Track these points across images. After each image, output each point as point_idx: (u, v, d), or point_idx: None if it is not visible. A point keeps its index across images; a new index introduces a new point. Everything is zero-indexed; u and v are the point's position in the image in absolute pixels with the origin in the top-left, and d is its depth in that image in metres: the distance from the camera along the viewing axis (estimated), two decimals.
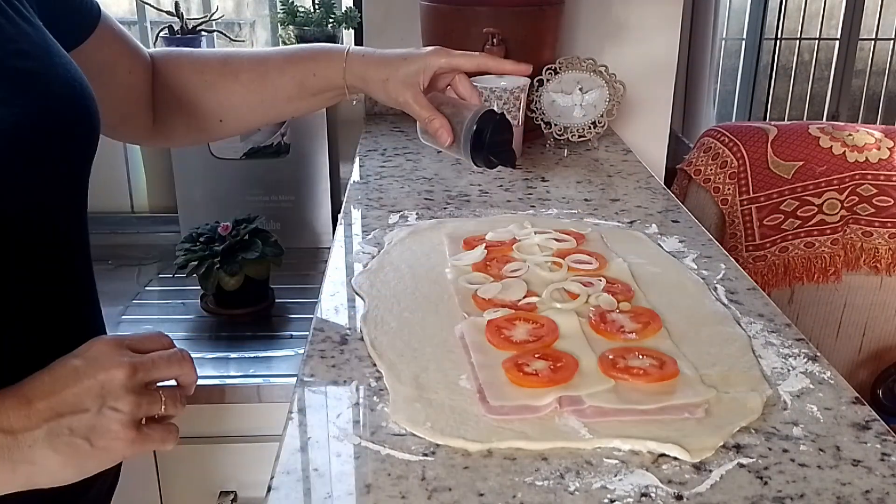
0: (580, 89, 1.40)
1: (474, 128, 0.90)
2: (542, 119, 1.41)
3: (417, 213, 1.07)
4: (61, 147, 0.65)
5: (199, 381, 1.15)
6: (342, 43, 1.58)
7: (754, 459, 0.59)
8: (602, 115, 1.41)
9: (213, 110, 0.92)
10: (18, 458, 0.55)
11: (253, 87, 0.92)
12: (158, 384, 0.62)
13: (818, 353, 0.73)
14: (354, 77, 0.91)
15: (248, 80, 0.92)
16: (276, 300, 1.40)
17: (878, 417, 0.64)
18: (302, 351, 0.74)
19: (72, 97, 0.66)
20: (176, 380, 0.63)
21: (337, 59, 0.91)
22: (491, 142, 0.90)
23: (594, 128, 1.42)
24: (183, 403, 0.63)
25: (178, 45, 1.50)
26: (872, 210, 1.70)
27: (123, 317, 1.36)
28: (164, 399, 0.60)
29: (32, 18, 0.67)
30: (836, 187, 1.68)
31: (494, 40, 1.30)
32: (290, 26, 1.53)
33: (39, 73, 0.64)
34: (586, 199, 1.14)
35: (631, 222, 1.05)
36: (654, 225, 1.04)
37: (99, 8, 0.82)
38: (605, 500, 0.55)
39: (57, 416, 0.56)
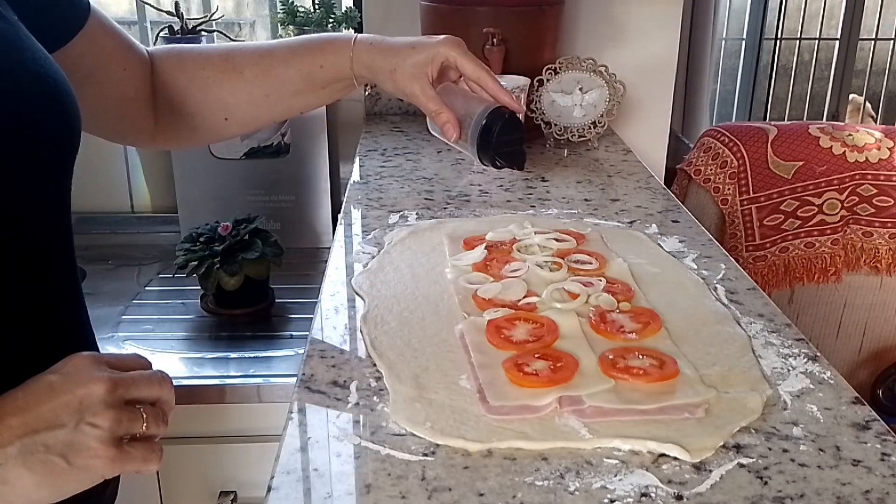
0: (580, 89, 1.40)
1: (482, 124, 0.87)
2: (542, 119, 1.41)
3: (417, 213, 1.07)
4: (34, 147, 0.62)
5: (199, 381, 1.17)
6: None
7: (754, 459, 0.59)
8: (602, 115, 1.41)
9: (218, 108, 0.89)
10: None
11: (257, 83, 0.88)
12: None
13: (818, 353, 0.73)
14: (362, 67, 0.88)
15: (252, 76, 0.88)
16: (276, 300, 1.40)
17: (878, 417, 0.64)
18: (302, 351, 0.74)
19: (44, 94, 0.63)
20: (154, 403, 0.60)
21: (344, 48, 0.88)
22: (499, 140, 0.87)
23: (594, 128, 1.42)
24: (165, 423, 0.60)
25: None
26: (872, 210, 1.70)
27: (123, 317, 1.36)
28: (145, 417, 0.58)
29: (6, 13, 0.64)
30: (836, 187, 1.68)
31: (494, 40, 1.30)
32: (290, 26, 1.53)
33: (7, 68, 0.61)
34: (586, 199, 1.14)
35: (631, 222, 1.05)
36: (654, 225, 1.04)
37: (88, 3, 0.80)
38: (605, 500, 0.55)
39: (31, 432, 0.53)
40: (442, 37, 0.89)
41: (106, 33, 0.82)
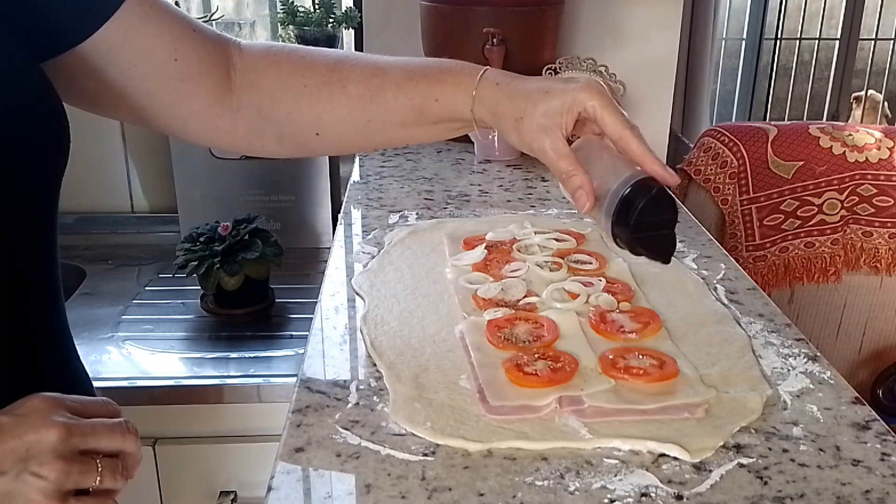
0: None
1: (622, 195, 0.66)
2: None
3: (417, 213, 1.07)
4: (16, 163, 0.59)
5: (199, 381, 1.17)
6: (341, 42, 1.58)
7: (754, 459, 0.59)
8: None
9: (310, 122, 0.78)
10: None
11: (361, 104, 0.76)
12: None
13: (818, 353, 0.73)
14: (484, 110, 0.72)
15: (357, 94, 0.76)
16: (276, 300, 1.40)
17: (878, 417, 0.64)
18: (302, 351, 0.74)
19: (27, 110, 0.60)
20: (117, 455, 0.56)
21: (467, 84, 0.73)
22: (641, 221, 0.65)
23: None
24: (125, 477, 0.55)
25: None
26: (872, 210, 1.70)
27: (123, 317, 1.36)
28: (100, 469, 0.53)
29: None
30: (836, 187, 1.68)
31: (494, 40, 1.30)
32: (290, 26, 1.53)
33: None
34: None
35: None
36: None
37: None
38: (605, 500, 0.55)
39: None
40: (583, 81, 0.71)
41: (146, 20, 0.71)
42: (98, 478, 0.53)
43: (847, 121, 2.50)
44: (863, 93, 2.55)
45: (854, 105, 2.54)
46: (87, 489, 0.53)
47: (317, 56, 0.79)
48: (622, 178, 0.67)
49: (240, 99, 0.77)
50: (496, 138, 1.31)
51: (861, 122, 2.57)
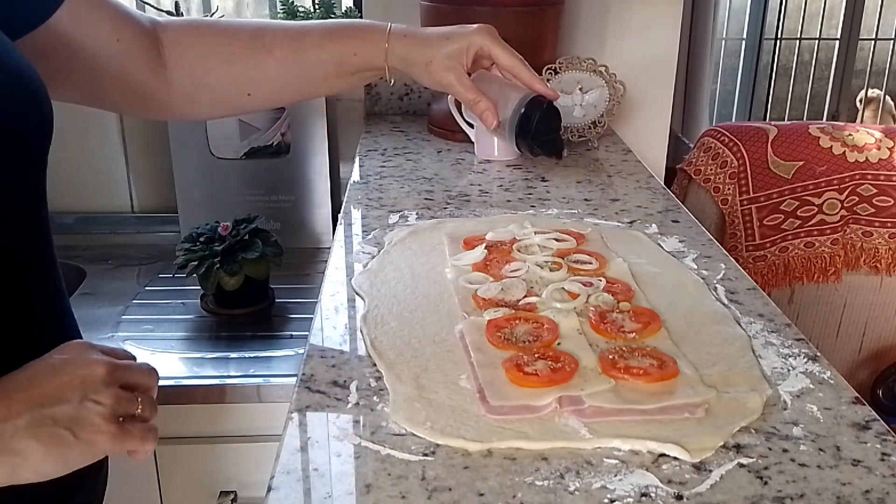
0: (580, 89, 1.40)
1: (521, 112, 0.89)
2: None
3: (417, 213, 1.07)
4: (4, 141, 0.62)
5: (199, 381, 1.17)
6: None
7: (754, 459, 0.59)
8: (602, 115, 1.41)
9: (242, 84, 0.89)
10: (1, 448, 0.54)
11: (287, 64, 0.88)
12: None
13: (818, 353, 0.73)
14: (396, 59, 0.89)
15: (282, 56, 0.88)
16: (276, 300, 1.40)
17: (878, 417, 0.64)
18: (302, 351, 0.74)
19: (12, 85, 0.62)
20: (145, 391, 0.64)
21: (379, 38, 0.89)
22: (537, 130, 0.90)
23: (594, 128, 1.42)
24: (156, 409, 0.63)
25: None
26: (872, 210, 1.70)
27: (123, 317, 1.36)
28: (139, 400, 0.61)
29: None
30: (836, 187, 1.68)
31: None
32: None
33: None
34: (586, 199, 1.14)
35: (631, 222, 1.05)
36: (654, 225, 1.04)
37: None
38: (605, 500, 0.55)
39: (38, 405, 0.56)
40: (475, 25, 0.91)
41: (91, 6, 0.79)
42: (139, 406, 0.61)
43: (854, 121, 2.50)
44: (871, 93, 2.56)
45: (858, 105, 2.54)
46: (132, 416, 0.60)
47: (237, 25, 0.90)
48: (518, 99, 0.90)
49: (171, 71, 0.86)
50: (496, 138, 1.31)
51: (862, 121, 2.57)
